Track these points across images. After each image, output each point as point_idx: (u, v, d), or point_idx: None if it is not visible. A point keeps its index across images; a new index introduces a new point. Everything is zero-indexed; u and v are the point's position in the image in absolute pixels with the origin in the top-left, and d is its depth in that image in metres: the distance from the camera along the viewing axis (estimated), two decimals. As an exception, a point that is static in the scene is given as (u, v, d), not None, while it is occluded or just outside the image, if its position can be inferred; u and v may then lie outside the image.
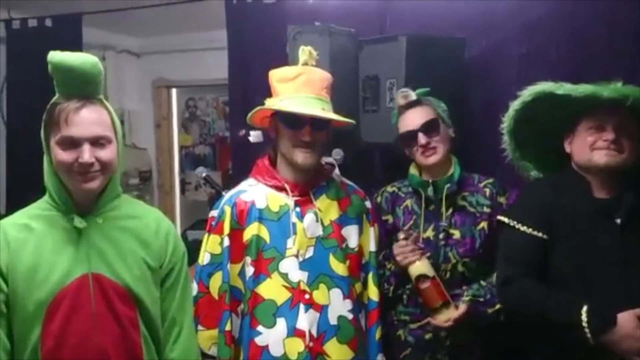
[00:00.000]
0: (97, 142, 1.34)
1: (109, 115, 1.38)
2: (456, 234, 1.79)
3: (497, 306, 1.72)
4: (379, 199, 1.91)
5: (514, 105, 1.62)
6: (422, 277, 1.70)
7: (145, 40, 4.11)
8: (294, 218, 1.63)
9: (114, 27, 3.72)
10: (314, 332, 1.59)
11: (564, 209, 1.56)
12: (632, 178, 1.55)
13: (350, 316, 1.64)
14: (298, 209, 1.65)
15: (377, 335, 1.73)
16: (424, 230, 1.81)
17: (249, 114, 1.68)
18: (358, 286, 1.71)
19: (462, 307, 1.70)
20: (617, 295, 1.46)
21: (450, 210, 1.81)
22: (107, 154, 1.35)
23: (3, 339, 1.32)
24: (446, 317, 1.69)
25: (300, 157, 1.61)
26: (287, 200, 1.65)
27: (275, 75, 1.66)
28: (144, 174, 4.09)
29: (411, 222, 1.83)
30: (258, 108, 1.65)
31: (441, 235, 1.79)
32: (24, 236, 1.35)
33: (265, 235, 1.63)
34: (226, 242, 1.65)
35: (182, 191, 4.51)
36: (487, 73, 2.22)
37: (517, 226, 1.60)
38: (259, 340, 1.59)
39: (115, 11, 3.10)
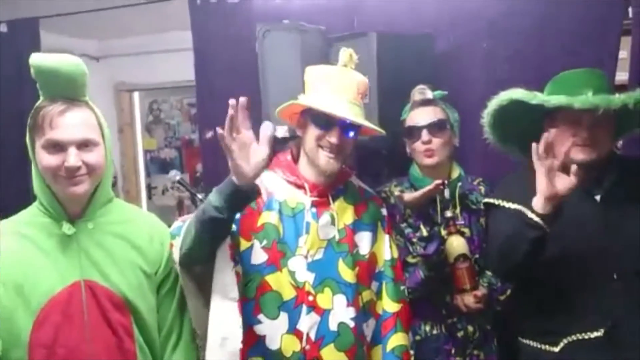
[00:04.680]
0: (84, 145, 1.30)
1: (95, 117, 1.35)
2: (467, 231, 1.85)
3: (508, 292, 1.82)
4: (392, 200, 1.89)
5: (492, 104, 1.63)
6: (462, 257, 1.77)
7: (104, 43, 4.00)
8: (309, 217, 1.59)
9: (71, 31, 3.61)
10: (312, 336, 1.56)
11: None
12: (609, 158, 1.59)
13: (351, 324, 1.60)
14: (314, 210, 1.61)
15: (390, 345, 1.68)
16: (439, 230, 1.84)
17: (280, 107, 1.63)
18: (365, 294, 1.66)
19: (484, 289, 1.79)
20: (601, 266, 1.52)
21: (458, 209, 1.86)
22: (94, 157, 1.32)
23: None
24: (470, 298, 1.77)
25: (324, 160, 1.58)
26: (303, 198, 1.62)
27: (312, 73, 1.63)
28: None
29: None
30: (291, 102, 1.61)
31: None
32: (13, 244, 1.31)
33: (281, 228, 1.58)
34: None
35: (149, 196, 4.42)
36: (455, 68, 2.25)
37: (502, 204, 1.62)
38: (257, 329, 1.55)
39: (73, 14, 3.01)
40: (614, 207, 1.55)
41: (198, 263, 1.48)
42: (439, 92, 1.90)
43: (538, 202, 1.43)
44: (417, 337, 1.87)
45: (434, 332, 1.86)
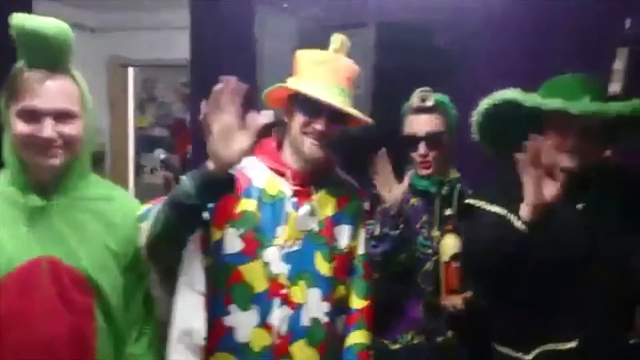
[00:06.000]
0: (62, 116, 1.24)
1: (78, 88, 1.29)
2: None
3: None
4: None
5: (483, 103, 1.58)
6: (456, 256, 1.75)
7: (102, 15, 3.96)
8: (288, 207, 1.54)
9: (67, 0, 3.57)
10: (283, 330, 1.50)
11: None
12: (596, 167, 1.55)
13: (325, 319, 1.55)
14: (295, 199, 1.55)
15: (349, 341, 1.63)
16: (433, 229, 1.85)
17: (265, 91, 1.58)
18: (341, 289, 1.61)
19: (469, 292, 1.77)
20: (579, 277, 1.49)
21: (455, 209, 1.85)
22: (71, 129, 1.26)
23: None
24: (458, 299, 1.76)
25: (308, 146, 1.52)
26: (284, 187, 1.56)
27: (302, 57, 1.57)
28: (97, 155, 3.96)
29: (422, 221, 1.85)
30: (278, 85, 1.56)
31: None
32: None
33: (259, 216, 1.52)
34: None
35: (137, 174, 4.39)
36: (455, 61, 2.23)
37: (484, 207, 1.57)
38: (226, 320, 1.50)
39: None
40: (596, 217, 1.53)
41: (165, 250, 1.40)
42: (440, 98, 1.85)
43: (525, 209, 1.40)
44: (397, 346, 1.85)
45: (414, 341, 1.85)
